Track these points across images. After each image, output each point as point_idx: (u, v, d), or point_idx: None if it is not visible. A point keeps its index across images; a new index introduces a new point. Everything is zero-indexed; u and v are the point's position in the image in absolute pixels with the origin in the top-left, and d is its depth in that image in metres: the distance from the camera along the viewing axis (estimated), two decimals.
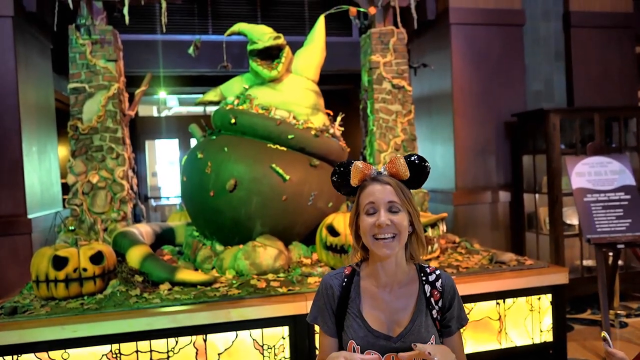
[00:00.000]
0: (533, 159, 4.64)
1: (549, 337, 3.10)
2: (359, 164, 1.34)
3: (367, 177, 1.35)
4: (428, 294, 1.36)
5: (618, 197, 3.56)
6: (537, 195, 4.66)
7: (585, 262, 4.49)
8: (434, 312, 1.36)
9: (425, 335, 1.32)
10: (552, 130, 4.30)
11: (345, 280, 1.38)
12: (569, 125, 4.55)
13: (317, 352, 1.48)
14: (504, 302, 3.02)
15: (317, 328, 1.45)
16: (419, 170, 1.34)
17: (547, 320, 3.10)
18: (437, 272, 1.40)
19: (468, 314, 2.92)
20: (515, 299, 3.04)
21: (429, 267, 1.42)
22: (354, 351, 1.31)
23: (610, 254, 3.78)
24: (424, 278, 1.38)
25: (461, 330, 1.43)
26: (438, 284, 1.38)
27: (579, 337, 3.80)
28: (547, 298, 3.10)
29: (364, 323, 1.33)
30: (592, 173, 3.65)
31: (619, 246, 3.45)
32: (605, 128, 4.51)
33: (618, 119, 4.53)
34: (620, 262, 4.14)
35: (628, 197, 3.57)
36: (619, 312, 4.05)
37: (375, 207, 1.30)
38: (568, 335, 3.41)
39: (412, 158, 1.34)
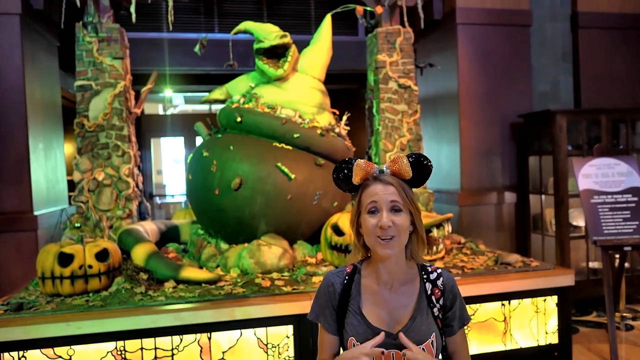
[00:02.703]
0: (539, 160, 4.62)
1: (554, 339, 3.09)
2: (361, 162, 1.35)
3: (369, 175, 1.35)
4: (429, 292, 1.37)
5: (625, 199, 3.54)
6: (543, 197, 4.63)
7: (591, 264, 4.47)
8: (435, 310, 1.36)
9: (426, 333, 1.32)
10: (559, 131, 4.28)
11: (347, 278, 1.40)
12: (576, 126, 4.53)
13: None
14: (509, 303, 3.01)
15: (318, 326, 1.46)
16: (421, 169, 1.34)
17: (553, 322, 3.09)
18: (439, 270, 1.41)
19: (473, 315, 2.91)
20: (520, 300, 3.03)
21: (430, 266, 1.42)
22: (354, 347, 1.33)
23: (617, 256, 3.76)
24: (425, 276, 1.39)
25: (465, 330, 1.43)
26: (439, 282, 1.38)
27: (584, 339, 3.78)
28: (553, 300, 3.08)
29: (364, 320, 1.34)
30: (599, 175, 3.62)
31: (626, 248, 3.42)
32: (612, 130, 4.48)
33: (625, 121, 4.50)
34: (626, 265, 4.11)
35: (635, 199, 3.55)
36: (624, 314, 4.02)
37: (378, 206, 1.30)
38: (573, 337, 3.39)
39: (415, 157, 1.34)
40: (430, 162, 1.34)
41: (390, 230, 1.28)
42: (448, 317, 1.38)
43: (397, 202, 1.30)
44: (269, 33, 3.56)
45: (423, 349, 1.31)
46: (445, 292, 1.37)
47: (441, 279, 1.39)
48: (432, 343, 1.33)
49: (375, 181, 1.33)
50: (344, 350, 1.38)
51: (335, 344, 1.40)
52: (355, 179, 1.35)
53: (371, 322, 1.33)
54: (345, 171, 1.36)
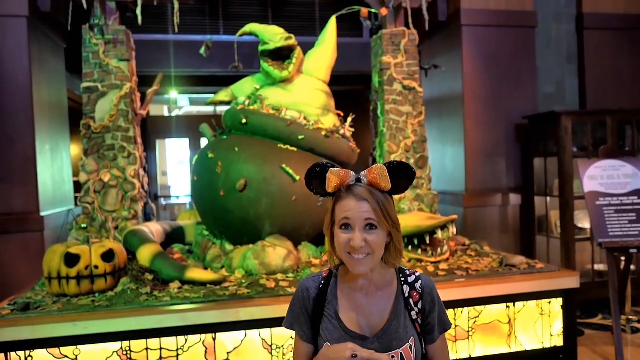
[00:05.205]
0: (544, 161, 4.61)
1: (559, 341, 3.08)
2: (335, 170, 1.26)
3: (342, 186, 1.26)
4: (407, 295, 1.32)
5: (631, 202, 3.52)
6: (548, 199, 4.62)
7: (597, 267, 4.45)
8: (413, 313, 1.31)
9: (404, 337, 1.28)
10: (564, 133, 4.27)
11: (322, 282, 1.35)
12: (581, 128, 4.51)
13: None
14: (514, 305, 3.00)
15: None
16: (402, 177, 1.25)
17: (558, 325, 3.08)
18: (417, 274, 1.36)
19: (477, 317, 2.91)
20: (525, 302, 3.02)
21: (409, 270, 1.38)
22: None
23: (622, 258, 3.74)
24: (402, 279, 1.35)
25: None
26: (417, 285, 1.33)
27: (590, 342, 3.77)
28: (558, 302, 3.07)
29: (340, 324, 1.29)
30: (604, 177, 3.61)
31: (632, 251, 3.40)
32: (618, 131, 4.46)
33: (631, 122, 4.48)
34: (632, 267, 4.09)
35: None
36: (630, 317, 4.00)
37: (351, 224, 1.23)
38: (578, 340, 3.38)
39: (395, 165, 1.24)
40: (412, 169, 1.25)
41: (363, 249, 1.22)
42: (429, 323, 1.33)
43: (372, 220, 1.22)
44: (274, 35, 3.58)
45: (401, 353, 1.26)
46: (424, 295, 1.32)
47: (419, 282, 1.34)
48: (410, 347, 1.28)
49: (349, 195, 1.24)
50: None
51: (310, 354, 1.34)
52: (329, 188, 1.27)
53: (348, 327, 1.29)
54: (318, 178, 1.29)
